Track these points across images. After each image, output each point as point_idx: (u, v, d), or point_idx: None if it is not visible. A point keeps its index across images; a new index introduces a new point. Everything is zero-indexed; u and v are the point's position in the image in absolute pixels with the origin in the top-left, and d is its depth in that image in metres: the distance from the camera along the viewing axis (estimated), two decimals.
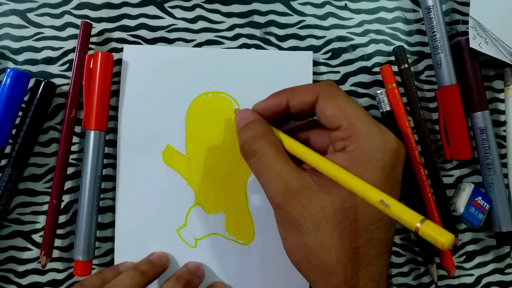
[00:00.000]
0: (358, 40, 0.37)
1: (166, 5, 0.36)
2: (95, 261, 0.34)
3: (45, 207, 0.34)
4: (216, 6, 0.36)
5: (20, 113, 0.34)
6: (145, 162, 0.34)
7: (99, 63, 0.33)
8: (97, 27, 0.35)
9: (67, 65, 0.35)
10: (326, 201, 0.26)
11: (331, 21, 0.37)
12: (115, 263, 0.34)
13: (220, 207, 0.35)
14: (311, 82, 0.35)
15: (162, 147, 0.34)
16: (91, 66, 0.33)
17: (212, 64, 0.35)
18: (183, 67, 0.35)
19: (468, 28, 0.35)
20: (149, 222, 0.34)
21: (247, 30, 0.36)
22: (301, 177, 0.27)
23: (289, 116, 0.30)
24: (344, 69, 0.37)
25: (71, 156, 0.34)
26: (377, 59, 0.37)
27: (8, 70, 0.32)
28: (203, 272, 0.34)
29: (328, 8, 0.37)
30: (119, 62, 0.35)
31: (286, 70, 0.35)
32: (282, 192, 0.27)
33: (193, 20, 0.36)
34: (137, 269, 0.31)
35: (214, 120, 0.35)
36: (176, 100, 0.35)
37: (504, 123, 0.37)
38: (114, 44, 0.35)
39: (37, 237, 0.34)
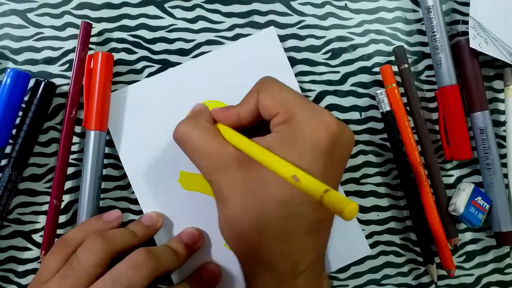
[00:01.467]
0: (358, 40, 0.37)
1: (166, 5, 0.36)
2: None
3: (45, 207, 0.34)
4: (216, 6, 0.36)
5: (20, 113, 0.34)
6: (167, 197, 0.34)
7: (99, 63, 0.33)
8: (97, 27, 0.35)
9: (67, 65, 0.35)
10: (244, 174, 0.27)
11: (331, 21, 0.37)
12: None
13: None
14: (284, 55, 0.35)
15: (177, 176, 0.35)
16: (91, 66, 0.33)
17: (195, 76, 0.35)
18: (168, 91, 0.35)
19: (468, 28, 0.35)
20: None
21: (247, 30, 0.36)
22: (224, 151, 0.28)
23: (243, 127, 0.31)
24: (344, 69, 0.37)
25: (71, 156, 0.34)
26: (377, 59, 0.37)
27: (8, 70, 0.32)
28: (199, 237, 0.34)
29: (328, 8, 0.37)
30: (119, 62, 0.35)
31: (258, 54, 0.35)
32: (209, 169, 0.28)
33: (193, 20, 0.36)
34: (127, 228, 0.32)
35: None
36: (173, 124, 0.32)
37: (504, 123, 0.37)
38: (114, 44, 0.35)
39: (37, 237, 0.34)
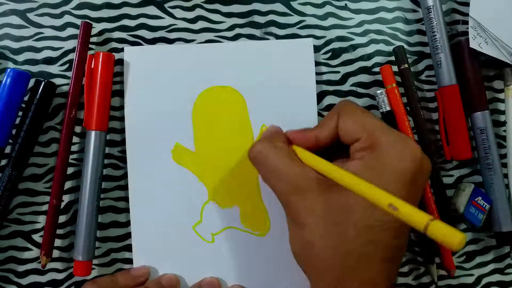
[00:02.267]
0: (358, 40, 0.37)
1: (166, 5, 0.36)
2: (95, 261, 0.34)
3: (45, 207, 0.34)
4: (216, 6, 0.36)
5: (20, 113, 0.34)
6: (155, 162, 0.34)
7: (100, 63, 0.33)
8: (97, 27, 0.35)
9: (67, 65, 0.35)
10: (326, 198, 0.26)
11: (331, 21, 0.37)
12: (134, 265, 0.34)
13: (234, 200, 0.35)
14: (313, 70, 0.35)
15: (171, 146, 0.35)
16: (92, 66, 0.33)
17: (213, 59, 0.35)
18: (185, 64, 0.35)
19: (468, 28, 0.35)
20: (165, 221, 0.34)
21: (247, 30, 0.36)
22: (305, 175, 0.27)
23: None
24: (344, 69, 0.37)
25: (71, 156, 0.34)
26: (377, 59, 0.37)
27: (8, 70, 0.32)
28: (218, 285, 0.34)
29: (328, 8, 0.37)
30: (119, 62, 0.35)
31: (287, 60, 0.35)
32: (286, 191, 0.28)
33: (193, 20, 0.36)
34: None
35: (220, 114, 0.35)
36: (181, 98, 0.35)
37: (504, 123, 0.37)
38: (114, 44, 0.35)
39: (37, 237, 0.34)
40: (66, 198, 0.35)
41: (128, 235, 0.35)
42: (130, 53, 0.35)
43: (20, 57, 0.35)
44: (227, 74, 0.35)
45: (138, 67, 0.35)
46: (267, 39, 0.36)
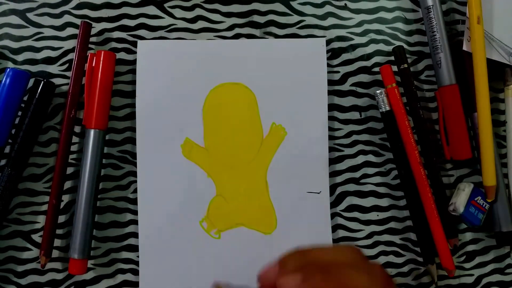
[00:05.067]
0: (358, 40, 0.37)
1: (166, 5, 0.36)
2: (95, 261, 0.34)
3: (44, 207, 0.34)
4: (216, 6, 0.36)
5: (20, 113, 0.34)
6: (164, 156, 0.35)
7: (101, 62, 0.33)
8: (97, 27, 0.35)
9: (66, 65, 0.35)
10: None
11: (331, 21, 0.37)
12: (140, 258, 0.34)
13: (241, 197, 0.35)
14: (325, 69, 0.35)
15: (181, 141, 0.35)
16: (93, 65, 0.33)
17: (226, 55, 0.35)
18: (198, 60, 0.35)
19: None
20: (172, 216, 0.34)
21: (246, 30, 0.36)
22: None
23: None
24: (344, 69, 0.37)
25: (71, 156, 0.34)
26: (377, 59, 0.37)
27: (8, 70, 0.32)
28: None
29: (328, 8, 0.37)
30: (119, 62, 0.35)
31: (300, 59, 0.36)
32: None
33: (193, 20, 0.36)
34: None
35: (231, 111, 0.35)
36: (192, 93, 0.35)
37: (504, 123, 0.37)
38: (114, 44, 0.35)
39: (36, 237, 0.34)
40: (65, 198, 0.35)
41: (128, 235, 0.35)
42: (143, 47, 0.35)
43: (20, 57, 0.35)
44: (239, 71, 0.35)
45: (151, 61, 0.35)
46: (267, 39, 0.36)
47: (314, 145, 0.35)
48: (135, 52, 0.35)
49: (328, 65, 0.37)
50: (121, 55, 0.35)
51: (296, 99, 0.35)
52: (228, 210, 0.35)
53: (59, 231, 0.34)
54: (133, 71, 0.35)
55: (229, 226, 0.35)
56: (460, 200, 0.35)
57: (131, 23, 0.36)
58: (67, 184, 0.34)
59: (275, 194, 0.35)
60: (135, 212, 0.35)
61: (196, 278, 0.34)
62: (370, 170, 0.37)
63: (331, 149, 0.36)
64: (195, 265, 0.34)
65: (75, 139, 0.35)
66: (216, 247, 0.34)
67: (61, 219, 0.34)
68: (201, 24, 0.36)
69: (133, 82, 0.35)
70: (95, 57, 0.33)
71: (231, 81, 0.35)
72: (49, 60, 0.35)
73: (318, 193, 0.35)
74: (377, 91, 0.35)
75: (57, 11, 0.35)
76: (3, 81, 0.32)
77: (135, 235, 0.35)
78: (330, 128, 0.36)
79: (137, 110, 0.35)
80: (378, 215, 0.36)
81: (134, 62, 0.35)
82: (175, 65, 0.35)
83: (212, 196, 0.35)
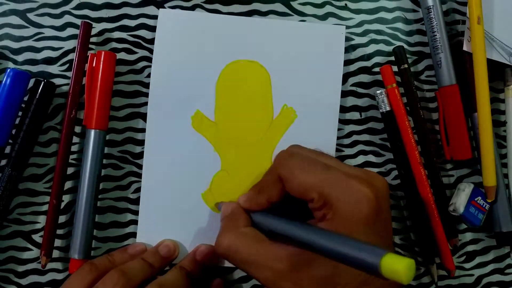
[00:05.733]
0: (358, 40, 0.37)
1: (166, 5, 0.36)
2: None
3: (45, 207, 0.34)
4: (216, 6, 0.36)
5: (20, 113, 0.34)
6: (174, 125, 0.35)
7: (102, 62, 0.33)
8: (97, 27, 0.35)
9: (67, 65, 0.35)
10: (306, 272, 0.26)
11: (331, 21, 0.37)
12: (139, 225, 0.34)
13: (245, 174, 0.35)
14: (342, 57, 0.36)
15: (192, 112, 0.35)
16: (93, 65, 0.33)
17: (244, 33, 0.35)
18: (216, 34, 0.35)
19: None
20: (175, 185, 0.35)
21: None
22: (279, 255, 0.27)
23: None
24: (344, 69, 0.37)
25: (71, 156, 0.34)
26: (377, 59, 0.37)
27: (8, 70, 0.32)
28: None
29: (328, 8, 0.37)
30: (119, 62, 0.35)
31: (318, 43, 0.36)
32: (270, 278, 0.27)
33: None
34: (145, 260, 0.32)
35: (244, 88, 0.35)
36: (208, 67, 0.35)
37: (504, 123, 0.37)
38: (114, 44, 0.35)
39: (37, 237, 0.34)
40: (66, 198, 0.35)
41: (128, 235, 0.35)
42: (164, 17, 0.35)
43: (20, 57, 0.35)
44: (256, 49, 0.35)
45: (170, 30, 0.35)
46: (288, 20, 0.36)
47: (322, 131, 0.35)
48: (135, 53, 0.35)
49: None
50: (122, 55, 0.35)
51: (310, 84, 0.35)
52: (231, 186, 0.35)
53: (59, 231, 0.34)
54: (134, 71, 0.35)
55: (231, 201, 0.35)
56: (460, 200, 0.35)
57: (132, 23, 0.36)
58: (68, 184, 0.35)
59: None
60: (135, 212, 0.35)
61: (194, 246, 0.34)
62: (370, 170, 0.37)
63: None
64: (194, 237, 0.34)
65: (75, 139, 0.35)
66: (216, 220, 0.34)
67: (62, 219, 0.34)
68: None
69: (133, 83, 0.35)
70: (95, 58, 0.33)
71: (247, 59, 0.35)
72: (49, 61, 0.35)
73: None
74: (377, 92, 0.35)
75: (57, 11, 0.35)
76: (3, 82, 0.32)
77: (135, 235, 0.35)
78: None
79: (152, 77, 0.35)
80: None
81: (134, 62, 0.35)
82: (194, 37, 0.35)
83: (216, 170, 0.35)
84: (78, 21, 0.35)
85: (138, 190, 0.35)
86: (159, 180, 0.34)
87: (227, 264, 0.35)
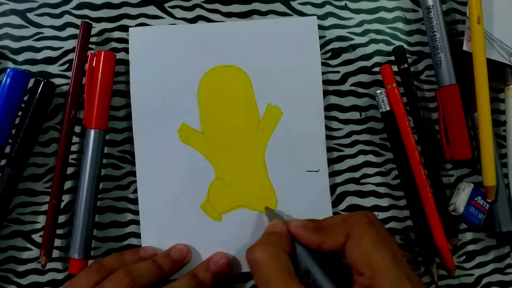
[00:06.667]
0: (358, 40, 0.37)
1: (166, 5, 0.36)
2: None
3: (45, 207, 0.34)
4: (216, 6, 0.36)
5: (20, 113, 0.34)
6: (162, 142, 0.35)
7: (101, 62, 0.33)
8: (97, 27, 0.35)
9: (67, 65, 0.35)
10: None
11: (331, 21, 0.37)
12: (143, 245, 0.34)
13: (241, 178, 0.35)
14: (318, 48, 0.35)
15: (178, 125, 0.35)
16: (93, 64, 0.33)
17: (217, 38, 0.35)
18: (189, 44, 0.35)
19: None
20: (172, 201, 0.34)
21: None
22: None
23: None
24: (344, 69, 0.37)
25: (71, 156, 0.34)
26: (377, 59, 0.37)
27: (8, 70, 0.32)
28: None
29: (328, 8, 0.37)
30: (119, 62, 0.35)
31: (292, 38, 0.35)
32: None
33: (193, 20, 0.36)
34: (155, 262, 0.32)
35: (226, 94, 0.35)
36: (187, 78, 0.35)
37: (504, 123, 0.37)
38: (114, 44, 0.35)
39: (37, 237, 0.34)
40: (65, 198, 0.35)
41: (128, 235, 0.35)
42: (134, 34, 0.35)
43: (20, 57, 0.35)
44: (231, 53, 0.35)
45: (143, 48, 0.35)
46: (257, 20, 0.36)
47: (310, 123, 0.35)
48: None
49: (328, 65, 0.37)
50: (121, 55, 0.35)
51: (290, 79, 0.35)
52: (228, 192, 0.35)
53: (59, 231, 0.34)
54: None
55: (230, 208, 0.35)
56: (460, 200, 0.35)
57: (131, 23, 0.36)
58: (67, 184, 0.35)
59: (274, 174, 0.35)
60: (135, 212, 0.35)
61: (199, 261, 0.34)
62: (370, 170, 0.37)
63: (331, 149, 0.36)
64: (198, 249, 0.34)
65: (75, 139, 0.35)
66: (218, 229, 0.34)
67: (61, 219, 0.34)
68: (201, 24, 0.36)
69: None
70: (95, 57, 0.33)
71: (224, 64, 0.35)
72: (49, 60, 0.35)
73: (317, 171, 0.35)
74: (377, 91, 0.35)
75: (57, 11, 0.35)
76: (3, 81, 0.32)
77: (135, 235, 0.35)
78: (331, 129, 0.36)
79: (132, 98, 0.34)
80: (378, 215, 0.36)
81: None
82: (167, 51, 0.35)
83: (211, 179, 0.35)
84: (78, 21, 0.35)
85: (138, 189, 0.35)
86: (157, 200, 0.34)
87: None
